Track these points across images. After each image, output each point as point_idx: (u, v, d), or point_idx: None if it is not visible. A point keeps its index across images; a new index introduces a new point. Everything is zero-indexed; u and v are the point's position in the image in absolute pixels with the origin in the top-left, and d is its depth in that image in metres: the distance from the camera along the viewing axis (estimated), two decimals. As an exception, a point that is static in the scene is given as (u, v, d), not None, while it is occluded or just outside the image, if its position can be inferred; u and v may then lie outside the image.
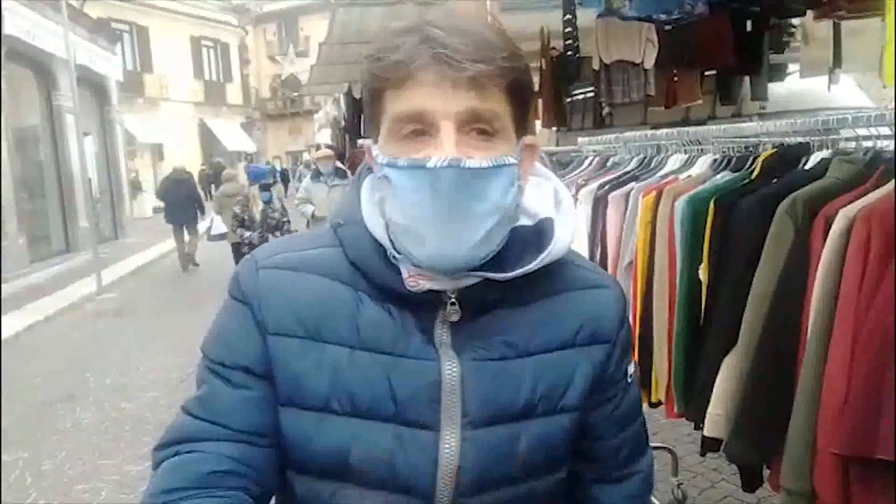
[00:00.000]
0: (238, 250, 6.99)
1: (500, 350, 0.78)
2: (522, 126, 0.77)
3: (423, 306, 0.77)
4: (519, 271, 0.75)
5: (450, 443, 0.76)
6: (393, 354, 0.76)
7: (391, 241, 0.76)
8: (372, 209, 0.79)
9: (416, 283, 0.75)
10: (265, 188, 7.00)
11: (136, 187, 18.58)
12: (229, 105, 29.39)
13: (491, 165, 0.71)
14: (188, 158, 25.07)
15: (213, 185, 23.57)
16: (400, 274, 0.76)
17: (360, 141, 9.87)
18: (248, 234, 6.74)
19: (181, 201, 10.19)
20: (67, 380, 5.51)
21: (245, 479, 0.76)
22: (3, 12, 9.36)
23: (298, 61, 29.60)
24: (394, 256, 0.76)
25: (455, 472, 0.76)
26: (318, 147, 11.78)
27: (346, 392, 0.75)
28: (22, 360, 6.21)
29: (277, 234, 6.71)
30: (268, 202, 6.90)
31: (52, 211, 11.94)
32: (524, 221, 0.80)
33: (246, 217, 6.83)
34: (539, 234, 0.79)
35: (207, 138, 27.31)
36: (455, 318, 0.77)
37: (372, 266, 0.78)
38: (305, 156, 23.03)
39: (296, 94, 29.50)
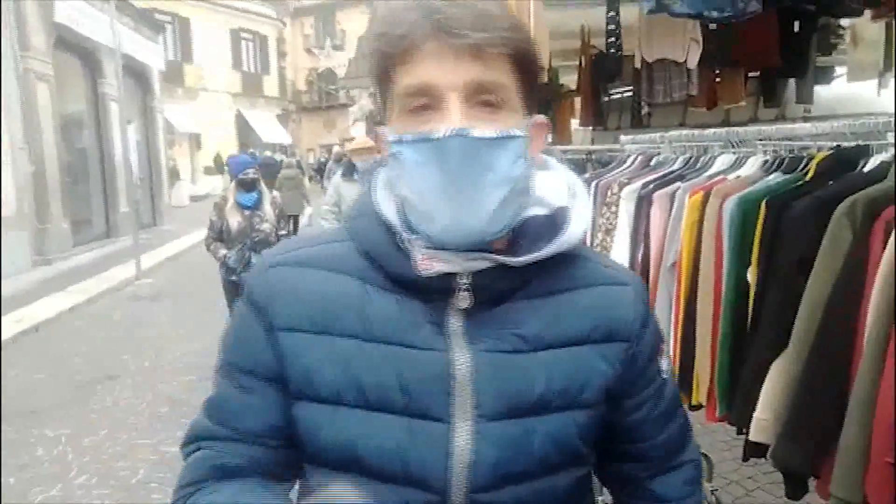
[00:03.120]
0: (226, 281, 4.76)
1: (512, 342, 0.76)
2: (531, 101, 0.76)
3: (434, 295, 0.76)
4: (532, 256, 0.75)
5: (462, 436, 0.74)
6: (402, 345, 0.75)
7: (405, 222, 0.76)
8: (384, 193, 0.79)
9: (428, 265, 0.73)
10: (247, 187, 4.65)
11: (174, 176, 18.94)
12: (266, 97, 29.77)
13: (497, 136, 0.70)
14: (224, 148, 25.55)
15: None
16: (411, 260, 0.74)
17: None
18: (222, 251, 4.60)
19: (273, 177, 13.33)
20: (107, 360, 5.67)
21: (258, 475, 0.79)
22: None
23: (335, 55, 29.87)
24: (407, 241, 0.75)
25: (469, 466, 0.74)
26: (352, 139, 9.35)
27: (356, 383, 0.75)
28: (64, 340, 6.41)
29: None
30: (252, 207, 4.64)
31: (95, 196, 12.27)
32: (539, 211, 0.79)
33: (223, 227, 4.66)
34: (553, 223, 0.79)
35: (244, 129, 27.71)
36: (466, 304, 0.75)
37: (383, 253, 0.77)
38: (336, 148, 18.24)
39: (332, 87, 29.76)
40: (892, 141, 1.82)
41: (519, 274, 0.76)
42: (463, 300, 0.75)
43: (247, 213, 4.63)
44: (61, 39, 10.37)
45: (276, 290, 0.79)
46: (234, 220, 4.63)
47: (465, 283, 0.75)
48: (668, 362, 0.89)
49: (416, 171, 0.71)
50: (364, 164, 5.05)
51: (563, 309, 0.79)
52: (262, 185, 4.81)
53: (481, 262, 0.74)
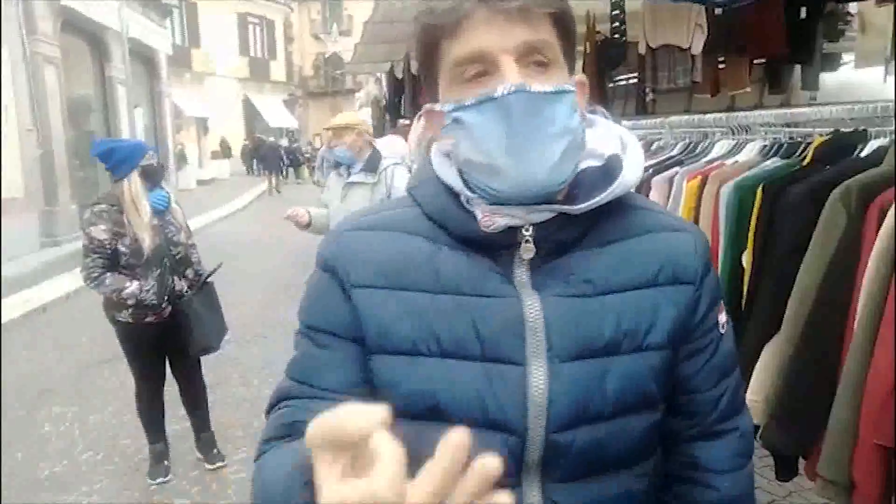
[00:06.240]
0: (120, 327, 3.16)
1: (579, 287, 0.78)
2: (571, 61, 0.79)
3: (499, 250, 0.79)
4: (590, 202, 0.77)
5: (538, 377, 0.76)
6: (473, 295, 0.78)
7: (466, 184, 0.78)
8: (441, 160, 0.83)
9: (490, 221, 0.76)
10: (154, 179, 3.00)
11: (181, 160, 18.98)
12: (273, 82, 29.71)
13: (554, 90, 0.73)
14: (232, 133, 25.56)
15: (254, 160, 23.97)
16: (476, 219, 0.77)
17: (401, 121, 9.86)
18: (132, 286, 2.89)
19: (273, 159, 20.46)
20: (113, 340, 5.69)
21: None
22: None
23: (341, 40, 29.72)
24: (468, 200, 0.78)
25: (545, 406, 0.76)
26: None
27: (432, 334, 0.78)
28: (71, 320, 6.48)
29: (189, 274, 3.19)
30: (164, 211, 3.06)
31: (103, 180, 12.29)
32: (592, 163, 0.81)
33: (120, 248, 2.89)
34: (607, 171, 0.80)
35: (251, 114, 27.71)
36: (529, 255, 0.78)
37: (448, 215, 0.81)
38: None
39: (338, 72, 29.66)
40: (892, 127, 1.83)
41: (579, 223, 0.78)
42: (527, 251, 0.78)
43: (156, 221, 2.97)
44: (68, 23, 10.37)
45: (348, 251, 0.82)
46: (146, 233, 2.89)
47: (528, 236, 0.78)
48: (726, 317, 0.88)
49: (479, 131, 0.74)
50: (343, 154, 3.53)
51: (626, 254, 0.81)
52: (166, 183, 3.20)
53: (541, 213, 0.77)
